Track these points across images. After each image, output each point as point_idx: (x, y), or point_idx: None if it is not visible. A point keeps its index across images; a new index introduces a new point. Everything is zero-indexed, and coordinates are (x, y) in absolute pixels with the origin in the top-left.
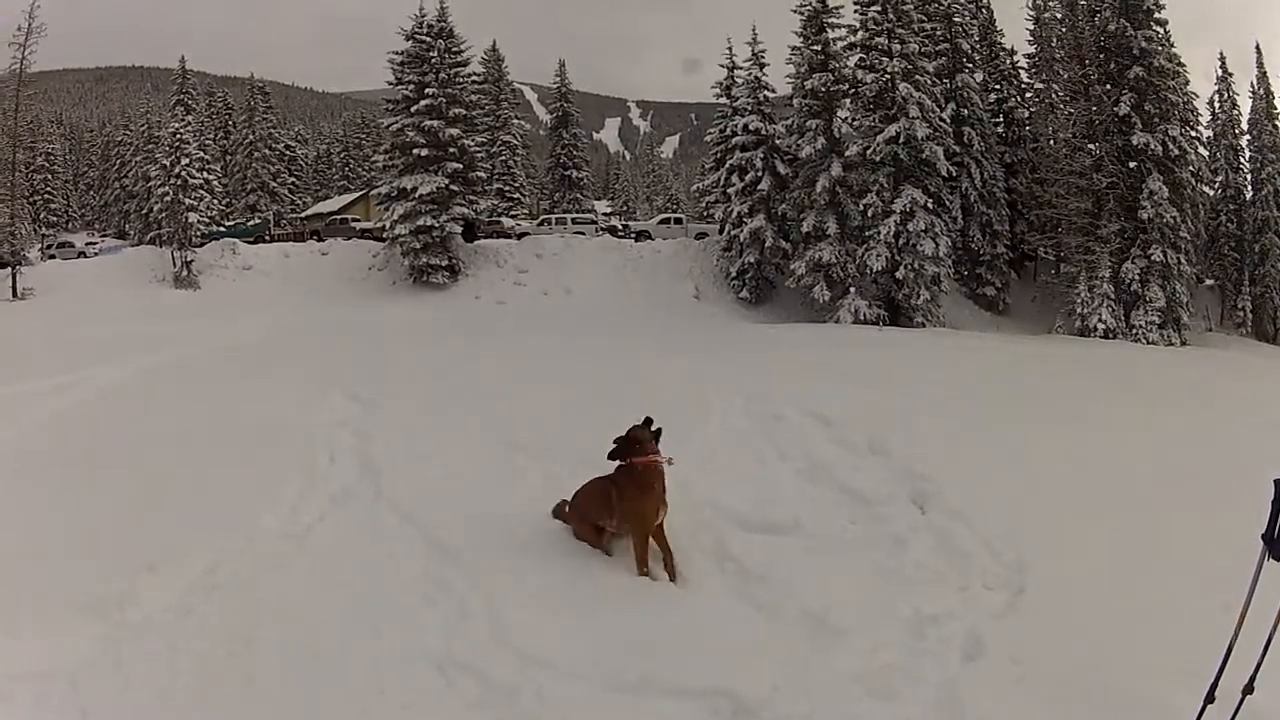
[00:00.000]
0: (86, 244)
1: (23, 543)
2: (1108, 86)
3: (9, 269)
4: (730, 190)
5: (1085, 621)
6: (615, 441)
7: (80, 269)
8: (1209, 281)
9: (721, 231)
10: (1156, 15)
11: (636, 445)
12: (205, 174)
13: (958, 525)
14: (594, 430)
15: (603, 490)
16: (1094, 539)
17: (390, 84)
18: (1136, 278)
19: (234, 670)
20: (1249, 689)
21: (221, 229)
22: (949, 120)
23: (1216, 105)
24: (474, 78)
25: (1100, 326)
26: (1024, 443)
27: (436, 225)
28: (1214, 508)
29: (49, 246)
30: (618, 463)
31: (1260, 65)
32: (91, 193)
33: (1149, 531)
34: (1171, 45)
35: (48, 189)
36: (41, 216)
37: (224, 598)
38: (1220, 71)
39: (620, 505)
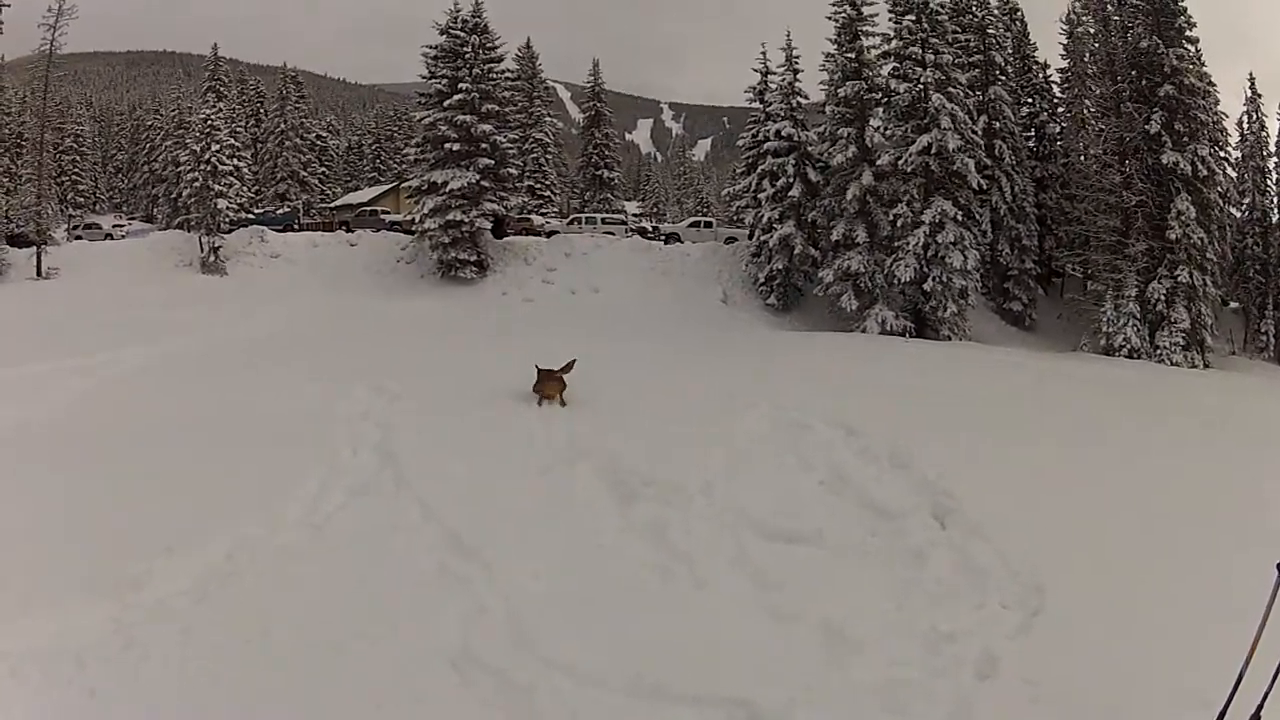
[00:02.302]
0: (114, 226)
1: (40, 522)
2: (1139, 104)
3: (34, 248)
4: (761, 195)
5: (1100, 643)
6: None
7: (106, 250)
8: (1233, 304)
9: (751, 237)
10: (1188, 33)
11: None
12: (235, 161)
13: (977, 542)
14: (620, 431)
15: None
16: (1112, 561)
17: (423, 77)
18: (1162, 298)
19: (247, 658)
20: (1256, 717)
21: (250, 216)
22: (981, 133)
23: (1245, 126)
24: (507, 74)
25: (1125, 346)
26: (1046, 461)
27: (466, 220)
28: (1232, 533)
29: (75, 227)
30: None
31: None
32: (120, 176)
33: (1167, 555)
34: (1202, 64)
35: (76, 170)
36: (69, 197)
37: (240, 585)
38: (1249, 92)
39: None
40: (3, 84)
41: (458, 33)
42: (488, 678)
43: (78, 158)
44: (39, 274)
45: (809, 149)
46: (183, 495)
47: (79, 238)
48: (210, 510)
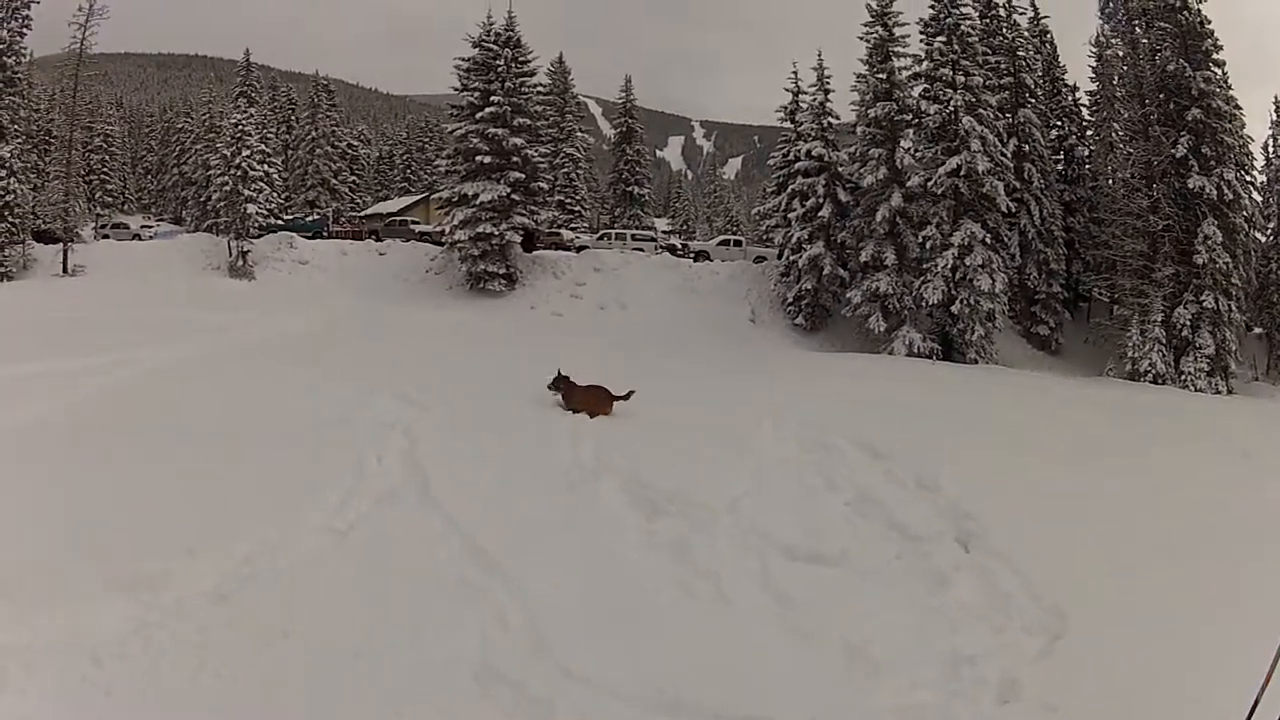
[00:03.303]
0: (141, 227)
1: (60, 518)
2: (1166, 127)
3: (60, 245)
4: (791, 215)
5: (1119, 670)
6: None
7: (133, 250)
8: (1257, 330)
9: (780, 256)
10: (1215, 56)
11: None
12: (266, 167)
13: (1000, 566)
14: (646, 447)
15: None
16: (1133, 588)
17: (456, 89)
18: (1188, 323)
19: (266, 661)
20: None
21: (280, 222)
22: (1010, 155)
23: (1270, 150)
24: (539, 88)
25: (1150, 371)
26: (1070, 487)
27: (496, 233)
28: (1256, 560)
29: (103, 226)
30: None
31: None
32: (149, 177)
33: (1189, 584)
34: (1229, 87)
35: (104, 170)
36: (97, 196)
37: (261, 588)
38: (1275, 115)
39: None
40: (31, 81)
41: (490, 46)
42: (507, 689)
43: (107, 157)
44: (65, 271)
45: (839, 169)
46: (204, 496)
47: (106, 236)
48: (232, 512)
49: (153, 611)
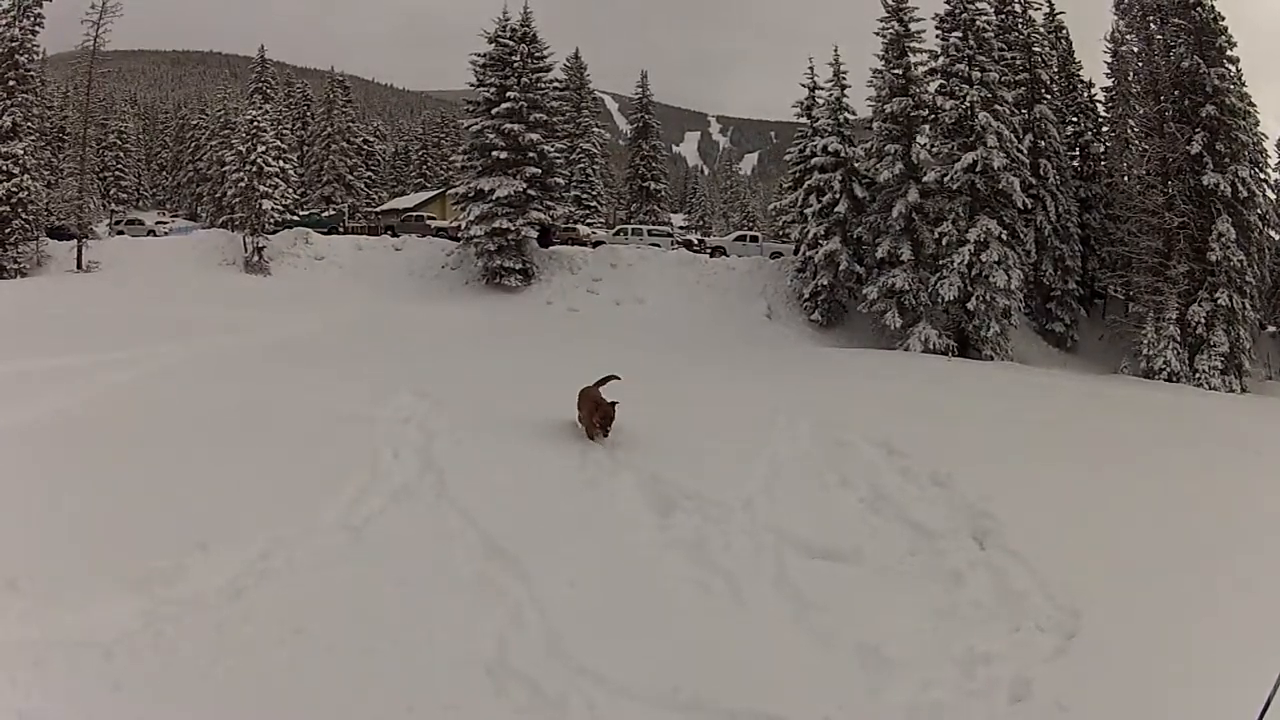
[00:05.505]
0: (156, 223)
1: (74, 512)
2: (1181, 124)
3: (75, 241)
4: (807, 211)
5: (1133, 670)
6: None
7: (148, 246)
8: (1271, 328)
9: (797, 252)
10: (1228, 53)
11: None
12: (281, 163)
13: (1015, 564)
14: (662, 444)
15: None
16: (1149, 587)
17: (471, 85)
18: (1202, 321)
19: (279, 658)
20: None
21: (295, 218)
22: (1026, 151)
23: None
24: (555, 84)
25: (1165, 369)
26: (1086, 484)
27: (512, 228)
28: (1269, 564)
29: (118, 222)
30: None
31: None
32: (164, 173)
33: (1203, 584)
34: (1243, 84)
35: (119, 166)
36: (111, 193)
37: (276, 584)
38: None
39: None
40: (44, 78)
41: (506, 41)
42: (522, 687)
43: (121, 154)
44: (79, 267)
45: (855, 165)
46: (219, 492)
47: (121, 233)
48: (247, 508)
49: (165, 607)
